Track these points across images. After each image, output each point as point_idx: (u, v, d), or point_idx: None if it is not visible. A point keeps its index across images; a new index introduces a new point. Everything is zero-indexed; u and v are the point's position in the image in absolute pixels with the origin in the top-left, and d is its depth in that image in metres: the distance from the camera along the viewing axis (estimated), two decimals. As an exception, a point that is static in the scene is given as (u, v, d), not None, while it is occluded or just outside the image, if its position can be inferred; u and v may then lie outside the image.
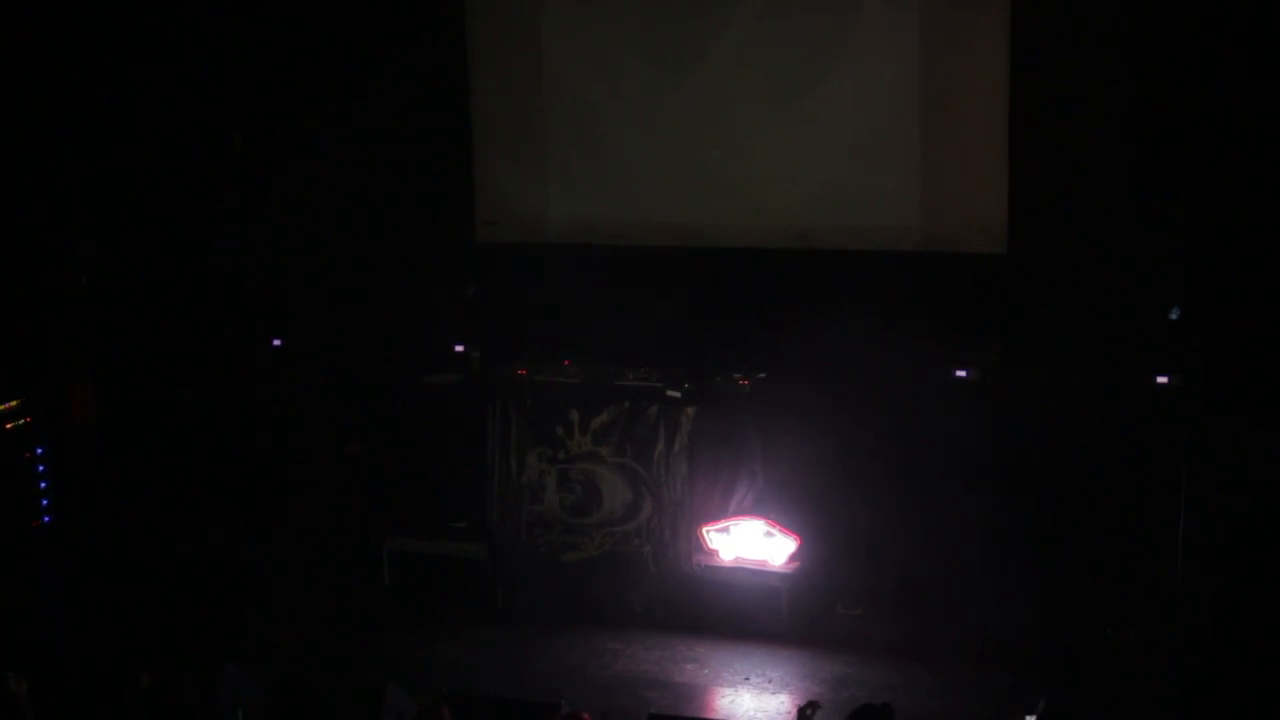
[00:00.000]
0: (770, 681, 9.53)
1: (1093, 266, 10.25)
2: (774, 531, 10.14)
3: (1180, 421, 9.75)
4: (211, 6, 11.94)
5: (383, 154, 11.87)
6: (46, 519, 11.89)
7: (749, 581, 10.22)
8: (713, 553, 10.29)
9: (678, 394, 10.39)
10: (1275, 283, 9.73)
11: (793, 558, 10.13)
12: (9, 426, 11.64)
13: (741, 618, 10.13)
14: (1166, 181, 9.93)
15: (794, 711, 8.91)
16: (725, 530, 10.25)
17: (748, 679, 9.58)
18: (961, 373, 10.51)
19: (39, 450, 11.84)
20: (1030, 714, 7.01)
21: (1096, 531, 10.06)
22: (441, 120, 11.93)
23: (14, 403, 11.72)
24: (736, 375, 10.60)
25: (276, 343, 12.20)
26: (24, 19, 11.77)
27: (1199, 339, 9.83)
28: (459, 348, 11.48)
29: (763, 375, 10.63)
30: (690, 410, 10.35)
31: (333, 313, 12.04)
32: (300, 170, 11.93)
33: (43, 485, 11.87)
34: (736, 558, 10.24)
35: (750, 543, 10.21)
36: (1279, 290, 9.74)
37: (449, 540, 10.95)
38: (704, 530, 10.29)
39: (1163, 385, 9.91)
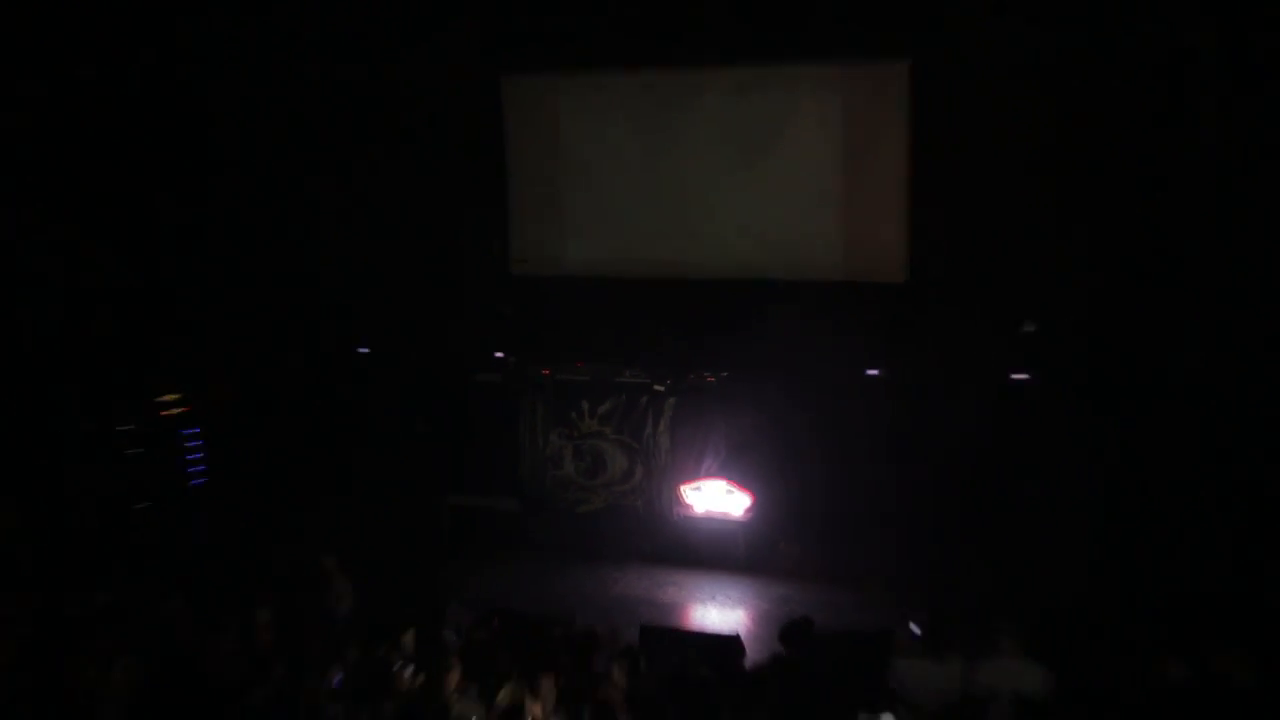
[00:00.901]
0: (730, 599, 10.00)
1: (971, 292, 10.47)
2: (733, 490, 10.59)
3: (1032, 408, 10.08)
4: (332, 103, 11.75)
5: (445, 213, 11.92)
6: (199, 480, 12.00)
7: (715, 526, 10.61)
8: (688, 505, 10.71)
9: (662, 388, 10.79)
10: (1109, 301, 9.91)
11: (748, 510, 10.57)
12: (174, 412, 11.85)
13: (709, 553, 10.55)
14: (1030, 230, 10.10)
15: (748, 623, 9.42)
16: (698, 489, 10.68)
17: (714, 598, 10.05)
18: (873, 371, 10.78)
19: (194, 429, 11.99)
20: (915, 624, 7.18)
21: (972, 489, 10.23)
22: (487, 185, 11.98)
23: (177, 395, 11.89)
24: (706, 374, 10.95)
25: (363, 350, 12.33)
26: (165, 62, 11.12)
27: (1046, 346, 10.15)
28: (499, 354, 11.53)
29: (725, 374, 10.96)
30: (671, 400, 10.75)
31: (407, 327, 12.05)
32: (386, 225, 12.00)
33: (197, 455, 11.98)
34: (706, 509, 10.66)
35: (716, 498, 10.63)
36: (1112, 306, 9.89)
37: (492, 497, 11.15)
38: (682, 489, 10.71)
39: (1019, 381, 10.21)
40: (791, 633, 7.32)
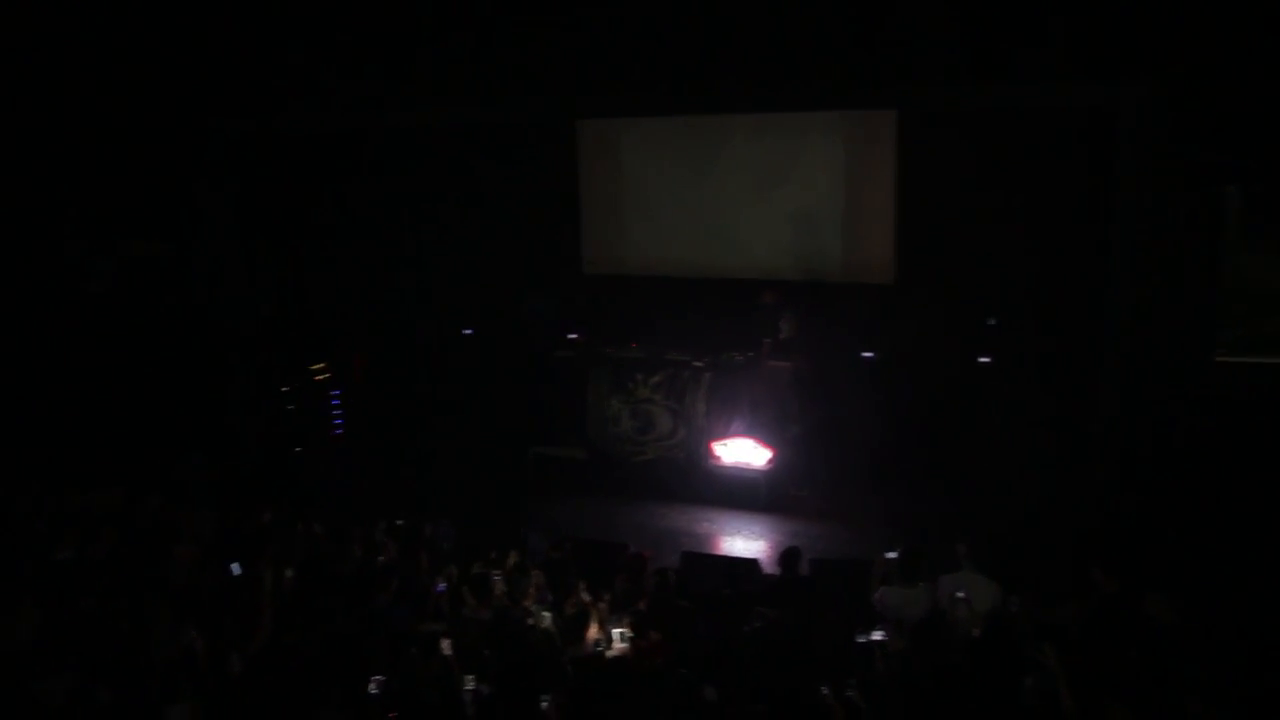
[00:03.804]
0: (753, 534, 9.81)
1: (947, 292, 10.46)
2: (757, 446, 10.39)
3: (992, 384, 10.12)
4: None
5: (532, 226, 12.01)
6: (339, 430, 12.25)
7: (742, 475, 10.42)
8: (719, 458, 10.53)
9: (700, 364, 10.63)
10: (1050, 301, 9.91)
11: (768, 462, 10.38)
12: (320, 379, 12.08)
13: (737, 496, 10.36)
14: (991, 244, 10.00)
15: (767, 551, 9.10)
16: (727, 445, 10.49)
17: (740, 531, 9.85)
18: (868, 354, 10.74)
19: (335, 392, 12.23)
20: (892, 552, 6.97)
21: (949, 447, 10.23)
22: (565, 205, 12.16)
23: (322, 364, 12.12)
24: (735, 354, 10.81)
25: (467, 331, 12.43)
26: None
27: (1003, 337, 10.21)
28: (572, 336, 11.44)
29: (750, 354, 10.76)
30: (708, 374, 10.58)
31: (503, 315, 12.06)
32: (489, 236, 12.01)
33: (337, 412, 12.21)
34: (735, 461, 10.46)
35: (742, 452, 10.45)
36: (1053, 305, 9.91)
37: (567, 448, 11.00)
38: (714, 445, 10.53)
39: (984, 363, 10.22)
40: (786, 557, 7.56)
